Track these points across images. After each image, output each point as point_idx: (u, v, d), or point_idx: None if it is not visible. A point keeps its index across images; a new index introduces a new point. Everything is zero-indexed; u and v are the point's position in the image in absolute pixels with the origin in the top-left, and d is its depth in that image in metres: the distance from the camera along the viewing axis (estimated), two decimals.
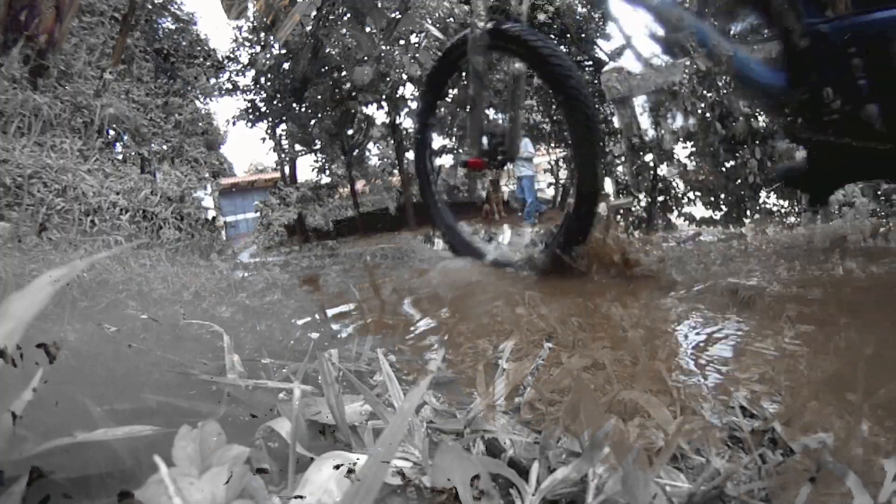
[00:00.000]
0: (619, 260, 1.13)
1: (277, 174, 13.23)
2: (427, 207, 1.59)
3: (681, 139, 6.60)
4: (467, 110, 1.41)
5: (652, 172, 6.60)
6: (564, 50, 10.41)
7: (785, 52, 0.94)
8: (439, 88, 1.54)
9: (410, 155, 10.44)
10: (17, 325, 0.49)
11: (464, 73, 1.42)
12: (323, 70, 9.38)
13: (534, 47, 1.25)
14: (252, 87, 10.73)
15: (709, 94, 6.58)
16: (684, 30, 1.12)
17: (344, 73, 8.93)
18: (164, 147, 5.84)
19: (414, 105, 9.62)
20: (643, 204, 6.55)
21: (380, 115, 9.85)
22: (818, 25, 0.88)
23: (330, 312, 1.47)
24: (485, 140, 1.29)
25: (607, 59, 9.28)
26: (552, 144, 10.85)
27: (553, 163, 10.78)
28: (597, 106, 0.98)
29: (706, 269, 1.29)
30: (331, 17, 8.72)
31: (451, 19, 9.13)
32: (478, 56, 1.35)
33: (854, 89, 0.85)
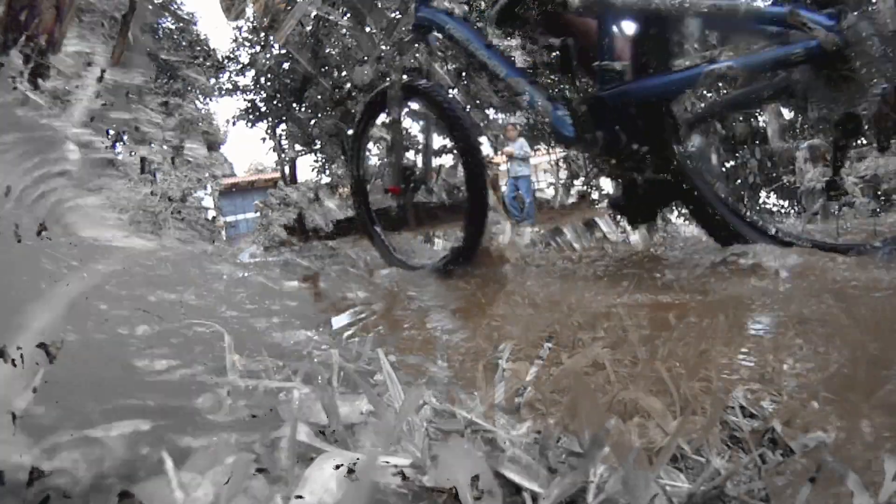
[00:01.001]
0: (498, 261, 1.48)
1: (277, 174, 13.23)
2: (371, 241, 1.89)
3: None
4: (388, 149, 1.74)
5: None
6: None
7: (579, 112, 1.23)
8: (365, 131, 1.85)
9: (410, 155, 10.43)
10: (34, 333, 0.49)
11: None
12: (323, 70, 9.38)
13: (436, 100, 1.53)
14: (252, 87, 10.73)
15: (709, 95, 6.57)
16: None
17: (344, 73, 8.94)
18: (165, 147, 5.84)
19: (414, 105, 9.60)
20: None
21: (380, 116, 9.85)
22: (604, 92, 1.17)
23: (330, 312, 1.46)
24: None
25: None
26: (552, 144, 10.84)
27: (553, 163, 10.77)
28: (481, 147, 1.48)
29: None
30: (330, 18, 8.72)
31: None
32: (395, 106, 1.62)
33: (633, 137, 1.16)
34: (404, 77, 1.63)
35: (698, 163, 1.14)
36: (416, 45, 1.59)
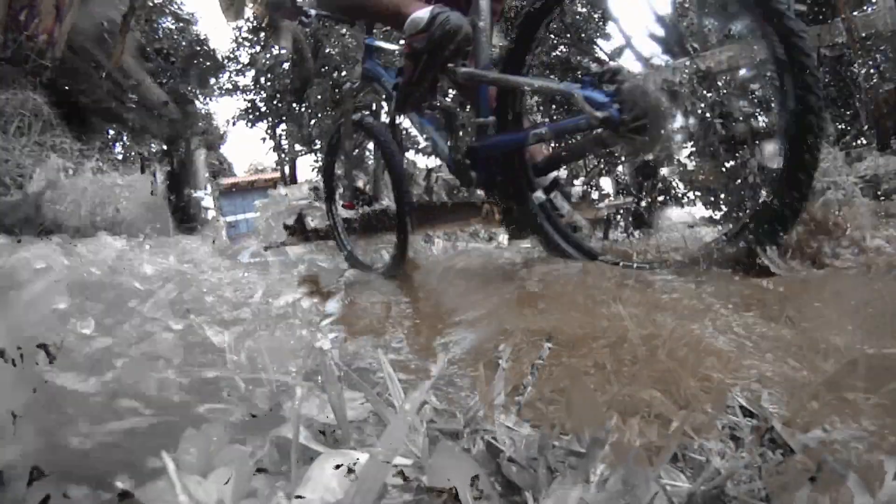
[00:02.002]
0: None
1: (277, 174, 13.22)
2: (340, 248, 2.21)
3: (681, 139, 6.60)
4: (344, 173, 2.16)
5: (652, 172, 6.61)
6: (564, 50, 10.41)
7: (458, 158, 1.48)
8: (334, 155, 2.20)
9: (410, 154, 10.45)
10: (22, 327, 0.49)
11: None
12: (323, 70, 9.37)
13: (377, 136, 1.82)
14: (252, 87, 10.73)
15: (709, 95, 6.57)
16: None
17: (344, 73, 8.94)
18: (164, 147, 5.84)
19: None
20: (643, 204, 6.54)
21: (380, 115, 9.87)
22: (476, 144, 1.43)
23: (329, 312, 1.47)
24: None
25: (607, 59, 9.29)
26: (552, 144, 10.84)
27: None
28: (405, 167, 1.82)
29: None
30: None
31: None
32: (348, 138, 1.96)
33: (501, 176, 1.44)
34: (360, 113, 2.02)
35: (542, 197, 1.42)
36: (366, 89, 1.92)
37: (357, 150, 2.12)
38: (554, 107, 8.42)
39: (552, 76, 9.48)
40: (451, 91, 1.71)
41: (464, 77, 1.31)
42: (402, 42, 1.41)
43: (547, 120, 1.34)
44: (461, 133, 1.56)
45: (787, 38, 0.99)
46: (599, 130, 1.17)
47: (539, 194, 1.36)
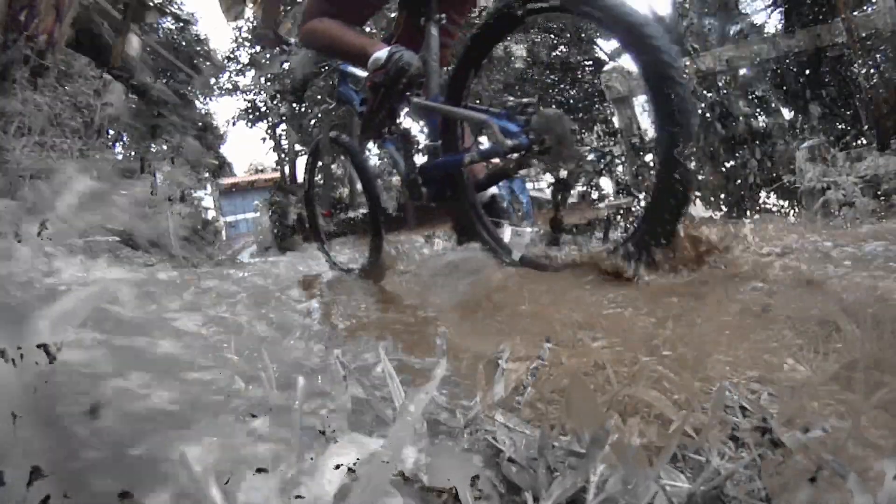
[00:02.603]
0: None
1: (277, 174, 13.22)
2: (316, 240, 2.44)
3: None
4: (322, 184, 2.34)
5: (652, 172, 6.60)
6: (564, 50, 10.43)
7: (411, 175, 1.64)
8: (314, 164, 2.38)
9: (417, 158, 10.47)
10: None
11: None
12: (323, 70, 9.36)
13: (352, 152, 2.04)
14: (252, 87, 10.74)
15: (709, 95, 6.56)
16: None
17: None
18: (164, 147, 5.84)
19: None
20: (643, 204, 6.54)
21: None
22: (427, 164, 1.64)
23: (329, 312, 1.47)
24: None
25: (607, 59, 9.30)
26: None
27: None
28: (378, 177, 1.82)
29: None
30: None
31: None
32: (325, 154, 2.23)
33: (449, 191, 1.61)
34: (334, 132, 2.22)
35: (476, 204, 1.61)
36: (340, 109, 2.14)
37: (309, 176, 2.43)
38: None
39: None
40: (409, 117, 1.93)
41: (413, 107, 1.49)
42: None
43: (476, 145, 1.62)
44: (419, 154, 1.79)
45: (662, 70, 1.10)
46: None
47: (479, 208, 1.56)
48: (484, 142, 1.54)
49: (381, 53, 1.38)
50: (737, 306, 0.88)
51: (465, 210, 1.56)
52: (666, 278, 1.12)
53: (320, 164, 2.34)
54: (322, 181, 2.49)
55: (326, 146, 2.13)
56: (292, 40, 2.07)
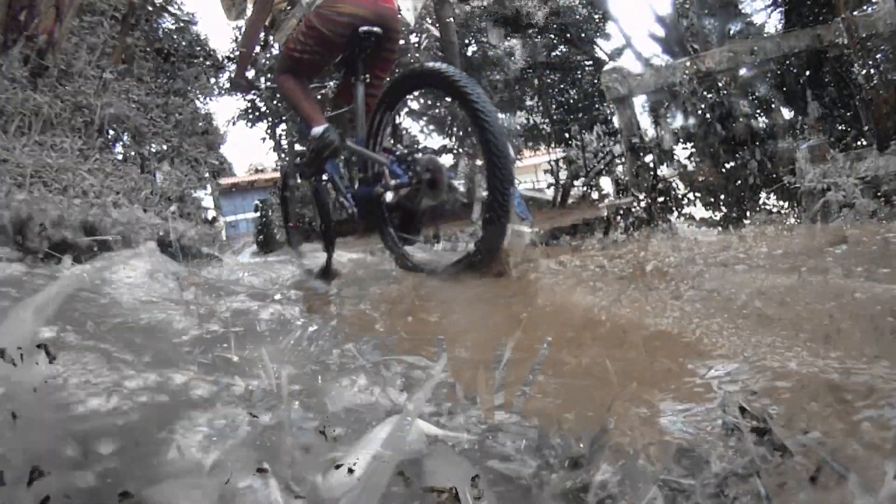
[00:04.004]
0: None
1: (277, 174, 13.21)
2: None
3: (681, 140, 6.60)
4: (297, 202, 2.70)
5: (652, 173, 6.59)
6: (563, 49, 10.42)
7: (340, 202, 1.99)
8: (285, 188, 2.74)
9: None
10: (28, 331, 0.49)
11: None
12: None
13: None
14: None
15: (709, 95, 6.56)
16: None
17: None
18: (164, 147, 5.84)
19: (413, 104, 9.67)
20: (643, 204, 6.53)
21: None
22: (358, 192, 1.97)
23: (329, 312, 1.47)
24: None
25: (607, 59, 9.29)
26: (552, 145, 10.84)
27: (553, 163, 10.77)
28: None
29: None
30: None
31: (451, 19, 9.13)
32: (292, 178, 2.60)
33: (368, 212, 1.97)
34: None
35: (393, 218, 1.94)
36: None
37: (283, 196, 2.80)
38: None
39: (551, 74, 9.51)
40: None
41: (346, 148, 1.88)
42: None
43: (385, 179, 1.71)
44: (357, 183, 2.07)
45: (478, 115, 1.48)
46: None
47: (391, 227, 1.91)
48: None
49: (317, 130, 1.77)
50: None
51: (383, 229, 1.93)
52: (485, 280, 1.54)
53: (289, 191, 2.72)
54: (288, 204, 2.87)
55: (293, 172, 2.59)
56: (262, 86, 2.64)
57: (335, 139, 1.75)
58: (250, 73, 2.45)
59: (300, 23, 1.87)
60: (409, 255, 1.87)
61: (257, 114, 10.84)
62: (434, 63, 1.68)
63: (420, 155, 1.73)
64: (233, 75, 2.48)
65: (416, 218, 1.93)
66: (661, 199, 6.54)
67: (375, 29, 1.73)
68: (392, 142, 1.88)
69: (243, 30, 2.46)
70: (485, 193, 1.55)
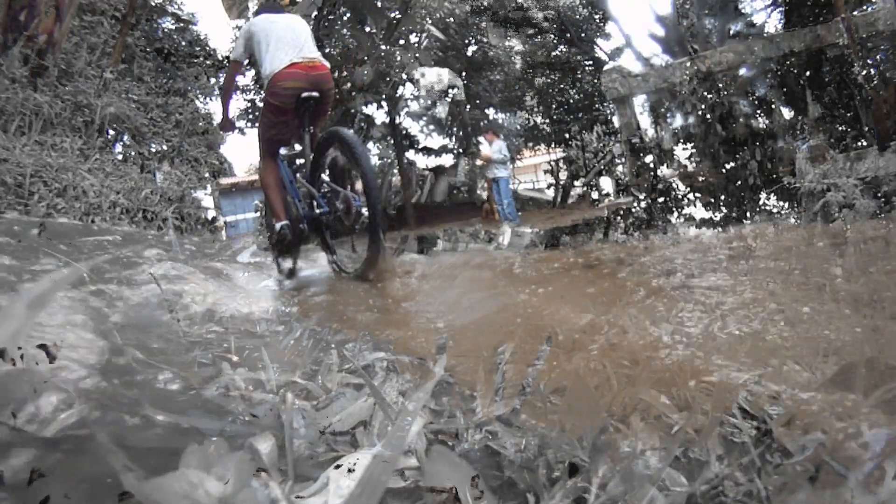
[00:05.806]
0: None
1: None
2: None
3: (681, 140, 6.60)
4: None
5: (652, 173, 6.59)
6: (564, 50, 10.43)
7: (300, 221, 2.35)
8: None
9: (410, 154, 10.47)
10: (21, 326, 0.49)
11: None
12: None
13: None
14: (252, 87, 10.72)
15: (709, 95, 6.56)
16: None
17: (344, 73, 8.94)
18: (164, 147, 5.83)
19: (414, 104, 9.66)
20: (643, 205, 6.54)
21: (380, 115, 9.84)
22: (311, 214, 2.35)
23: (329, 312, 1.47)
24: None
25: (607, 59, 9.29)
26: (552, 145, 10.85)
27: (553, 163, 10.77)
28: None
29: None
30: (330, 17, 8.73)
31: (451, 19, 9.13)
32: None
33: (317, 230, 2.40)
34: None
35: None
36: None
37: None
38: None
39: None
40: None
41: (299, 182, 2.40)
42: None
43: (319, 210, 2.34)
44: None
45: (362, 165, 2.01)
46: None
47: (329, 241, 2.38)
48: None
49: (277, 226, 2.28)
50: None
51: (326, 244, 2.38)
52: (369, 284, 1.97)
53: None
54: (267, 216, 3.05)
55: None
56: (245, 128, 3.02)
57: (287, 234, 2.31)
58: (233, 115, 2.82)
59: (263, 107, 2.41)
60: (339, 262, 2.39)
61: (257, 114, 10.83)
62: (340, 129, 2.27)
63: (339, 191, 2.18)
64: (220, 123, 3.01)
65: (336, 235, 2.42)
66: (661, 200, 6.55)
67: (314, 94, 2.22)
68: (323, 180, 2.33)
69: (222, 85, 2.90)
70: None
